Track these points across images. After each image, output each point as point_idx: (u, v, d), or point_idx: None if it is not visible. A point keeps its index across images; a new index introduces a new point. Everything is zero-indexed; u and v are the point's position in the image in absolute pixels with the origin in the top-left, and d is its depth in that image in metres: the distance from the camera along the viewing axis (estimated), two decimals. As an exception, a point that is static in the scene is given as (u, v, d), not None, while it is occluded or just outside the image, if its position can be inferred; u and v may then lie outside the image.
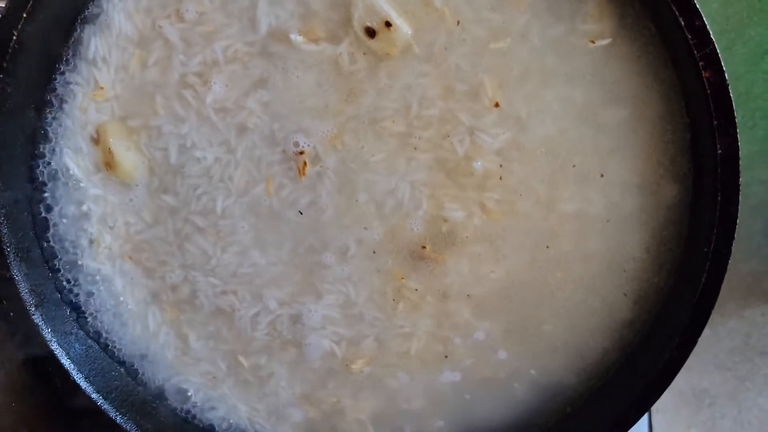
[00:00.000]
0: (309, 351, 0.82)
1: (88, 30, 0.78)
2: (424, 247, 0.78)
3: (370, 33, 0.73)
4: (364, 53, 0.74)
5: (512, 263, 0.78)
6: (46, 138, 0.80)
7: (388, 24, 0.72)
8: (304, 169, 0.76)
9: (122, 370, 0.84)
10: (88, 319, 0.83)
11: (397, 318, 0.80)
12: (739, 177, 0.69)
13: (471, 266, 0.79)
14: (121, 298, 0.83)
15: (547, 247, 0.78)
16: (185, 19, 0.76)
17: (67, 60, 0.78)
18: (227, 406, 0.85)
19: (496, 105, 0.74)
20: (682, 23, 0.66)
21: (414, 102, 0.75)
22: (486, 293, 0.79)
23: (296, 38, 0.74)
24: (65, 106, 0.79)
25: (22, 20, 0.71)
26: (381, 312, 0.80)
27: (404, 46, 0.74)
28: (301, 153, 0.76)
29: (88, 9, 0.77)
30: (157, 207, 0.80)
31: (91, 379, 0.81)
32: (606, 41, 0.73)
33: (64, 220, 0.82)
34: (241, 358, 0.83)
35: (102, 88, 0.78)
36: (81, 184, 0.81)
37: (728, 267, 0.98)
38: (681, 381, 1.04)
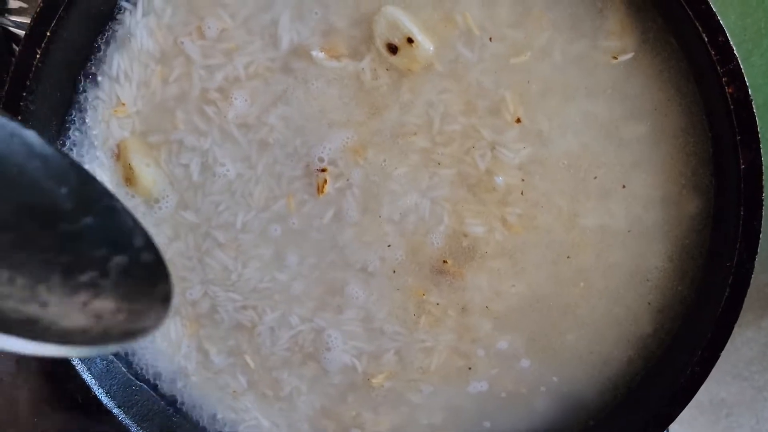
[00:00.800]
0: (329, 366, 0.82)
1: (110, 47, 0.78)
2: (445, 262, 0.78)
3: (393, 49, 0.73)
4: (387, 69, 0.75)
5: (534, 276, 0.78)
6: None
7: (410, 40, 0.72)
8: (323, 186, 0.77)
9: (143, 384, 0.84)
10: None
11: (418, 332, 0.80)
12: (762, 192, 0.69)
13: (492, 280, 0.79)
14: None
15: (569, 257, 0.78)
16: (206, 36, 0.76)
17: (89, 76, 0.79)
18: (248, 421, 0.85)
19: (518, 120, 0.74)
20: (705, 39, 0.66)
21: (436, 118, 0.75)
22: (507, 307, 0.79)
23: (318, 54, 0.75)
24: (87, 121, 0.79)
25: (46, 38, 0.71)
26: (402, 326, 0.80)
27: (426, 62, 0.74)
28: (323, 170, 0.77)
29: (111, 26, 0.78)
30: (177, 222, 0.81)
31: (112, 393, 0.81)
32: (628, 56, 0.73)
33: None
34: (261, 372, 0.83)
35: (124, 104, 0.78)
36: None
37: (748, 278, 0.99)
38: (699, 391, 1.04)
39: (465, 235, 0.77)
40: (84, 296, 0.48)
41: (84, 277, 0.50)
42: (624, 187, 0.76)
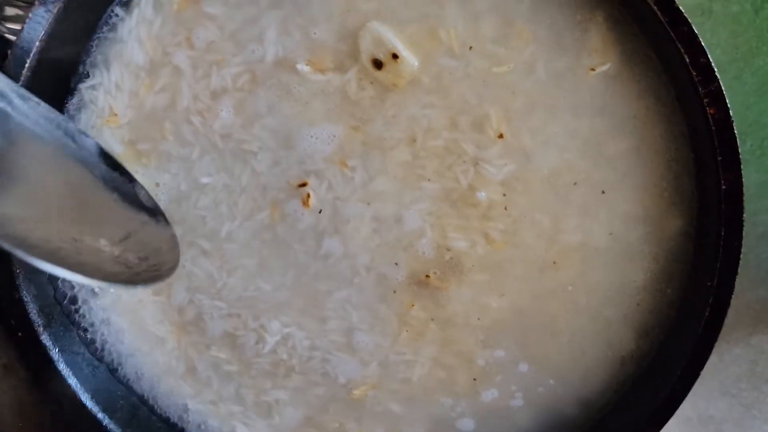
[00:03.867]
0: (312, 376, 0.82)
1: (103, 57, 0.79)
2: (427, 276, 0.78)
3: (378, 64, 0.73)
4: (371, 82, 0.75)
5: (515, 291, 0.79)
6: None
7: (395, 56, 0.73)
8: (308, 200, 0.77)
9: (127, 390, 0.85)
10: (96, 341, 0.84)
11: (400, 345, 0.80)
12: (742, 212, 0.69)
13: (474, 294, 0.79)
14: (127, 320, 0.84)
15: (551, 270, 0.78)
16: (195, 47, 0.77)
17: (80, 85, 0.80)
18: (232, 428, 0.86)
19: (500, 136, 0.75)
20: (687, 60, 0.67)
21: (419, 133, 0.76)
22: (492, 320, 0.80)
23: (303, 68, 0.75)
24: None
25: (36, 48, 0.72)
26: (384, 338, 0.81)
27: (411, 77, 0.74)
28: (304, 184, 0.77)
29: (104, 35, 0.79)
30: (164, 230, 0.81)
31: (97, 398, 0.81)
32: (605, 67, 0.73)
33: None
34: (245, 381, 0.84)
35: (116, 114, 0.79)
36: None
37: (736, 294, 0.98)
38: (687, 407, 1.03)
39: (448, 249, 0.78)
40: (117, 250, 0.67)
41: (117, 236, 0.68)
42: (606, 204, 0.76)
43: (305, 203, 0.77)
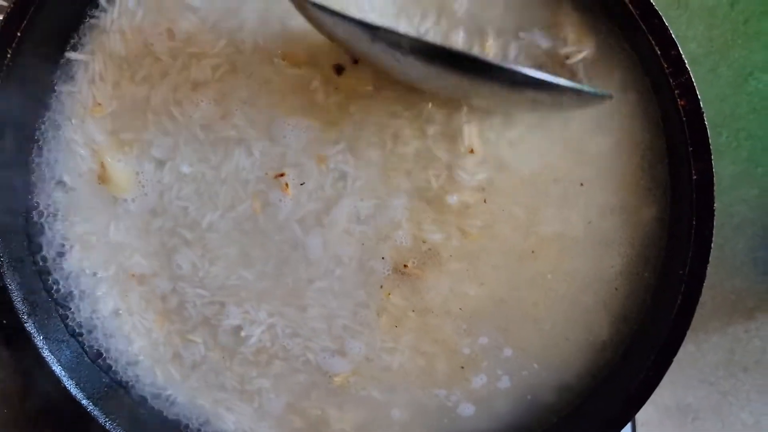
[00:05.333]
0: (294, 363, 0.84)
1: (85, 45, 0.80)
2: (405, 266, 0.79)
3: (339, 70, 0.75)
4: (336, 88, 0.77)
5: (494, 280, 0.80)
6: (40, 152, 0.82)
7: (356, 61, 0.74)
8: (287, 188, 0.78)
9: (112, 377, 0.86)
10: (80, 328, 0.85)
11: (380, 332, 0.82)
12: (713, 202, 0.70)
13: (453, 283, 0.80)
14: (111, 308, 0.85)
15: (532, 255, 0.79)
16: (176, 38, 0.78)
17: (64, 75, 0.80)
18: (215, 415, 0.87)
19: (471, 151, 0.76)
20: (659, 52, 0.68)
21: (388, 139, 0.78)
22: (471, 310, 0.81)
23: (279, 61, 0.77)
24: (62, 121, 0.81)
25: (16, 39, 0.73)
26: (364, 327, 0.82)
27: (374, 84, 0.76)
28: (282, 174, 0.78)
29: (86, 24, 0.79)
30: (146, 219, 0.82)
31: (81, 385, 0.82)
32: (581, 55, 0.75)
33: (58, 229, 0.84)
34: (228, 368, 0.85)
35: (100, 104, 0.80)
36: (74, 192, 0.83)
37: (713, 284, 1.00)
38: (665, 395, 1.05)
39: (424, 241, 0.79)
40: None
41: None
42: (583, 191, 0.78)
43: (285, 191, 0.78)
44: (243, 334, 0.83)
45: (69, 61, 0.80)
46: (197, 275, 0.82)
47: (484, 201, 0.77)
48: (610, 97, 0.69)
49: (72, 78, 0.80)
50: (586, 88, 0.70)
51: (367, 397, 0.84)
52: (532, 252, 0.79)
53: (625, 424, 0.77)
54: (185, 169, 0.80)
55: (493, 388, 0.82)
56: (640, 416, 1.04)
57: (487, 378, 0.82)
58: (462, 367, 0.82)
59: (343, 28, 0.63)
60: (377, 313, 0.81)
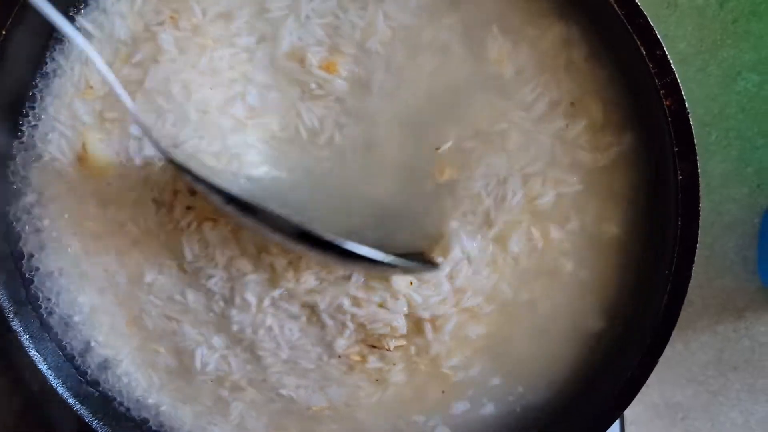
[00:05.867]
0: (265, 391, 0.83)
1: (80, 26, 0.78)
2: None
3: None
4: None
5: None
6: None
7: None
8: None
9: (97, 379, 0.85)
10: (58, 327, 0.85)
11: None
12: (699, 203, 0.70)
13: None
14: (89, 305, 0.84)
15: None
16: (180, 27, 0.77)
17: (55, 54, 0.80)
18: (198, 427, 0.86)
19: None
20: (643, 52, 0.68)
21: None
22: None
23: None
24: (50, 103, 0.80)
25: (9, 21, 0.73)
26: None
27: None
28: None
29: (82, 6, 0.79)
30: (127, 202, 0.80)
31: (68, 384, 0.82)
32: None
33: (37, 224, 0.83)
34: (201, 380, 0.84)
35: (92, 87, 0.79)
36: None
37: (702, 283, 1.00)
38: (655, 394, 1.05)
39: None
40: None
41: None
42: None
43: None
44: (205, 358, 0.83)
45: (62, 42, 0.79)
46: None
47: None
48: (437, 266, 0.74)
49: (65, 56, 0.79)
50: (412, 264, 0.73)
51: (351, 418, 0.84)
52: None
53: (612, 422, 0.77)
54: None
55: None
56: (629, 415, 1.04)
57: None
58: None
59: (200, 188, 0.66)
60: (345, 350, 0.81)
